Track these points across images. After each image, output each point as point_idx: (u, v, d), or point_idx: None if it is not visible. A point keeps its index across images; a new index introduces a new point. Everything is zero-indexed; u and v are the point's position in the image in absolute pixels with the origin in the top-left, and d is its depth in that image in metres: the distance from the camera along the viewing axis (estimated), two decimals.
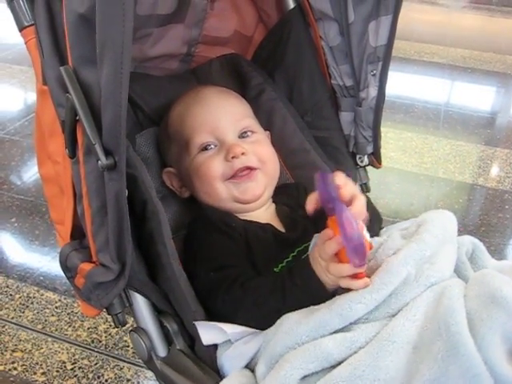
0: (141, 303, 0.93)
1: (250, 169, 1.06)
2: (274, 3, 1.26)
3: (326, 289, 0.85)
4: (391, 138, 2.84)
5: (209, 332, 0.87)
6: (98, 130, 0.74)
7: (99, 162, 0.74)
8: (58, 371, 1.66)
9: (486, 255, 0.98)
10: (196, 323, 0.89)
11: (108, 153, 0.74)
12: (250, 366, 0.85)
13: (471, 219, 2.31)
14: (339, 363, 0.77)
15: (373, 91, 1.14)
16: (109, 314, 0.92)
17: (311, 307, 0.84)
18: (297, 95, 1.27)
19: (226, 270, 0.93)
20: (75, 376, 1.65)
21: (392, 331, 0.76)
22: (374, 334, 0.79)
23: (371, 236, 0.89)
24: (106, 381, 1.64)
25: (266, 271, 0.96)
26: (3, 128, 2.88)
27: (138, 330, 0.94)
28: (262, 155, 1.08)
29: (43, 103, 0.88)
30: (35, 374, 1.66)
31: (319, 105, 1.25)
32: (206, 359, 0.90)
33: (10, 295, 1.93)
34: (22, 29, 0.88)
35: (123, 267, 0.84)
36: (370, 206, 1.12)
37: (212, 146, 1.08)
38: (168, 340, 0.94)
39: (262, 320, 0.87)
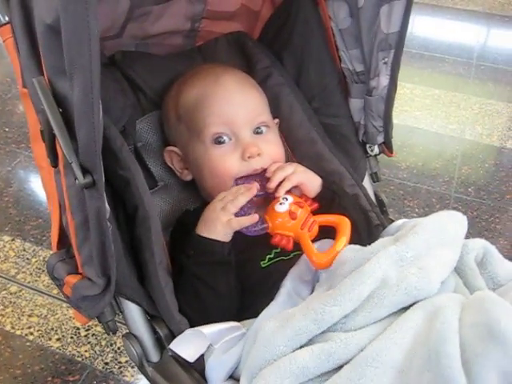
0: (132, 310, 0.92)
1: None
2: None
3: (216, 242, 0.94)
4: (417, 95, 2.72)
5: (187, 346, 0.86)
6: (76, 146, 0.70)
7: (77, 180, 0.70)
8: (72, 337, 1.70)
9: (498, 260, 0.92)
10: (171, 346, 0.88)
11: (86, 171, 0.70)
12: (237, 377, 0.83)
13: (496, 185, 2.22)
14: (317, 376, 0.75)
15: (384, 80, 1.07)
16: (99, 322, 0.91)
17: (286, 312, 0.82)
18: (304, 78, 1.20)
19: None
20: (89, 343, 1.68)
21: (376, 355, 0.72)
22: (353, 346, 0.75)
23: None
24: (119, 348, 1.67)
25: (253, 266, 0.98)
26: None
27: (130, 336, 0.93)
28: (275, 157, 1.08)
29: (25, 105, 0.83)
30: (50, 339, 1.69)
31: (328, 90, 1.19)
32: (198, 367, 0.89)
33: (27, 259, 1.95)
34: None
35: (108, 281, 0.83)
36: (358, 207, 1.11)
37: (225, 139, 1.06)
38: (160, 345, 0.94)
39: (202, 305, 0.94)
